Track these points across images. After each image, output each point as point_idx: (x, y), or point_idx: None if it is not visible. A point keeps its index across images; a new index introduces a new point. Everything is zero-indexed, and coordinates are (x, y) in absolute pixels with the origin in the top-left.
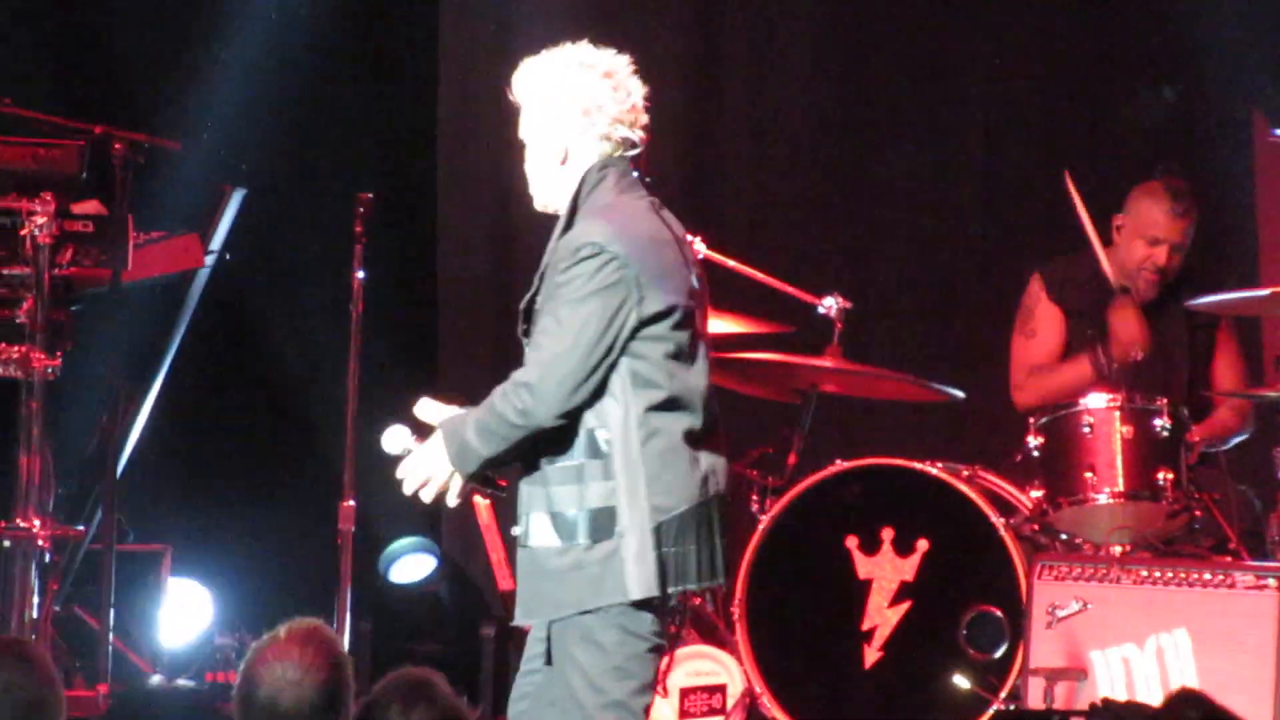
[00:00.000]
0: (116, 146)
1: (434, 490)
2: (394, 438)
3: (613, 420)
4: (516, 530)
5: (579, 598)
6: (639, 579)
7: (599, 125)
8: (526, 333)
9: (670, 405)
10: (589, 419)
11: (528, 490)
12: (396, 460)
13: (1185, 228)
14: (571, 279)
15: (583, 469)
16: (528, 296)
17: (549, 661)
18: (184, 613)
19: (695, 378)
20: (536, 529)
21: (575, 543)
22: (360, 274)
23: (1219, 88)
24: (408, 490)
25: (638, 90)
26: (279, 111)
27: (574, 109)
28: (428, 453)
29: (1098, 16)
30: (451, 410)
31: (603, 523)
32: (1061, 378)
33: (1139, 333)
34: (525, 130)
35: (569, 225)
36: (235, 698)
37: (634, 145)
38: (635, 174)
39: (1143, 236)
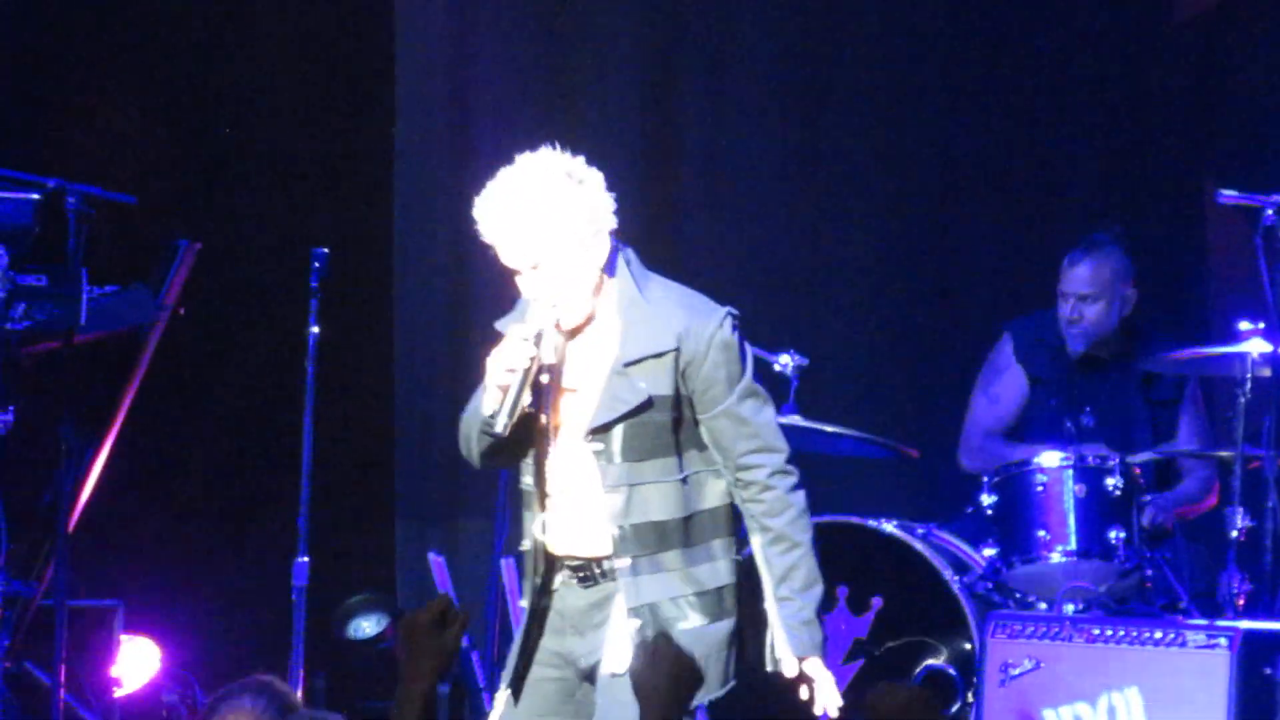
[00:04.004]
0: (70, 200)
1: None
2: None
3: (721, 492)
4: (631, 621)
5: (726, 674)
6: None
7: (604, 226)
8: (604, 430)
9: None
10: (710, 496)
11: (654, 579)
12: None
13: (1086, 276)
14: (735, 351)
15: (712, 547)
16: (621, 394)
17: None
18: (136, 669)
19: None
20: (676, 611)
21: (719, 620)
22: (315, 329)
23: (1171, 153)
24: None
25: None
26: (234, 165)
27: (586, 220)
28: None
29: (1053, 75)
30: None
31: (734, 593)
32: (1015, 456)
33: None
34: (547, 254)
35: (650, 309)
36: None
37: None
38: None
39: (1060, 294)
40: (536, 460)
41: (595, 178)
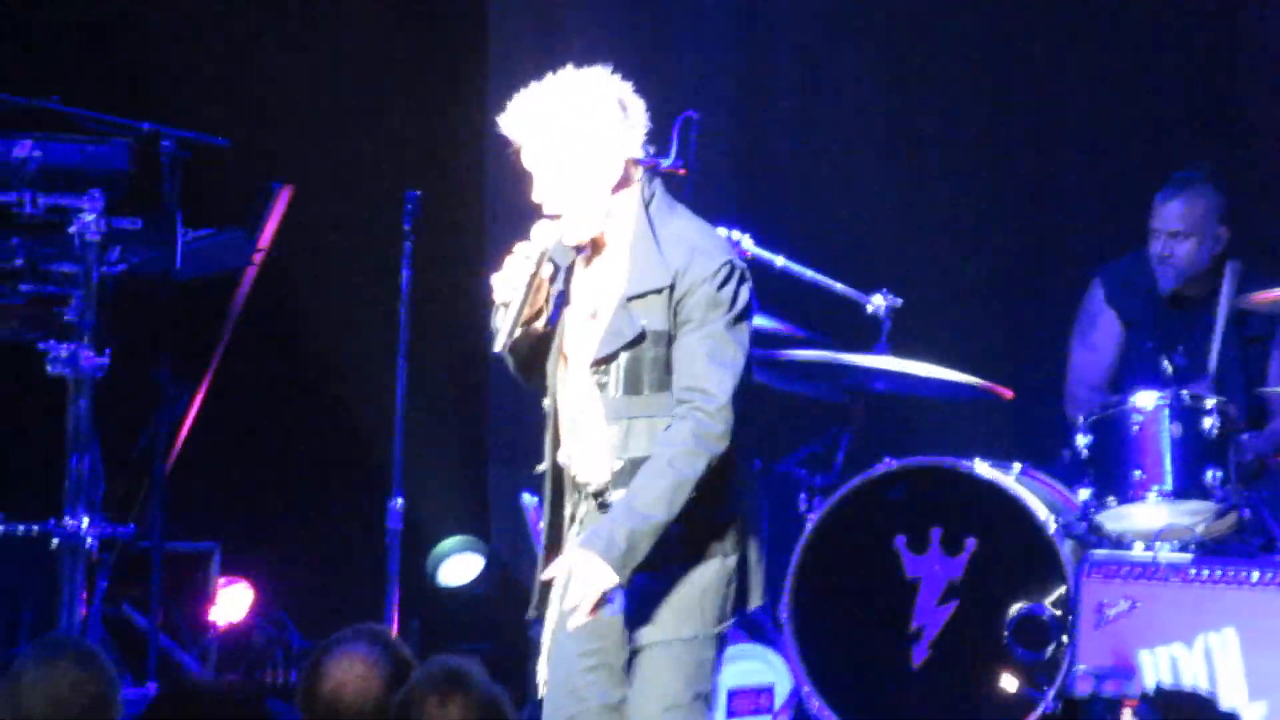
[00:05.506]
0: (164, 144)
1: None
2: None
3: (736, 433)
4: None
5: (722, 612)
6: (759, 586)
7: (627, 153)
8: (605, 362)
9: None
10: None
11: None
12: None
13: (1178, 213)
14: (724, 300)
15: (717, 482)
16: (619, 327)
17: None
18: (231, 612)
19: None
20: (665, 547)
21: (717, 557)
22: (408, 271)
23: (1266, 91)
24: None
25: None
26: (328, 108)
27: (622, 124)
28: (588, 575)
29: (1148, 15)
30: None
31: (738, 534)
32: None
33: None
34: (561, 159)
35: (656, 245)
36: (299, 690)
37: (644, 162)
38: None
39: (1150, 229)
40: (555, 384)
41: (634, 105)
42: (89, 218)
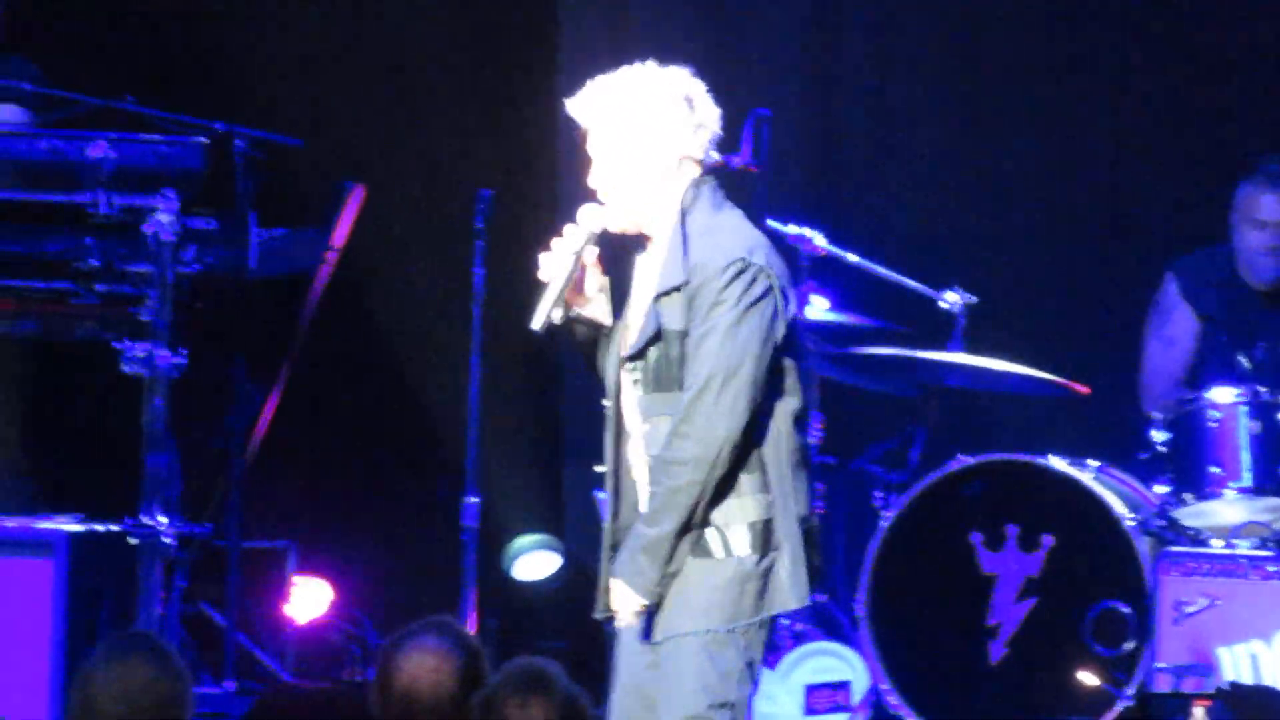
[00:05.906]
0: (238, 143)
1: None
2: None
3: (767, 433)
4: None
5: (735, 611)
6: (796, 590)
7: (686, 153)
8: (635, 359)
9: (802, 415)
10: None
11: None
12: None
13: None
14: (727, 297)
15: (738, 482)
16: (647, 324)
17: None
18: (308, 610)
19: (806, 387)
20: (684, 545)
21: (733, 557)
22: (480, 270)
23: None
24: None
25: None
26: (401, 108)
27: (685, 123)
28: (620, 600)
29: (1226, 9)
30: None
31: (762, 536)
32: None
33: None
34: (617, 146)
35: (684, 243)
36: (373, 687)
37: (707, 164)
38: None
39: (1249, 221)
40: (614, 384)
41: (704, 107)
42: (164, 217)
